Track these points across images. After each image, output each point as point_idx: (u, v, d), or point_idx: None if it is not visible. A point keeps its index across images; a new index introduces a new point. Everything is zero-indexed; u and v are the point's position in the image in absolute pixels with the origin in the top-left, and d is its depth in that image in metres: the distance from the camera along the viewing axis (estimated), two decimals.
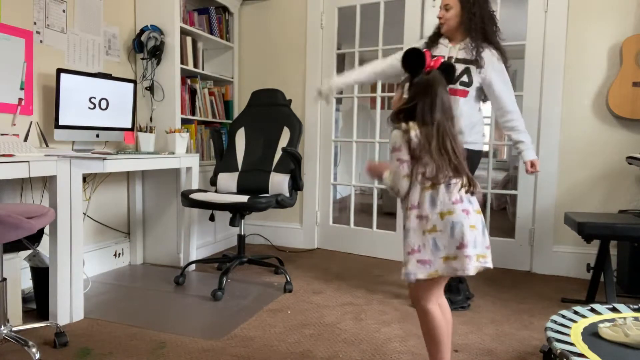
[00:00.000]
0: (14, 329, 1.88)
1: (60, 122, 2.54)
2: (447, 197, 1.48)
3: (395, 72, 2.39)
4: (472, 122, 2.40)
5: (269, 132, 3.10)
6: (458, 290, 2.48)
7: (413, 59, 1.56)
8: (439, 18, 2.41)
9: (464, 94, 2.36)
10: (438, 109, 1.51)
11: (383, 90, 3.82)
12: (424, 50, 1.61)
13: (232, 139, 3.19)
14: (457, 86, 2.35)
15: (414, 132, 1.50)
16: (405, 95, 1.58)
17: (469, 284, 2.71)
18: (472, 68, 2.34)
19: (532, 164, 2.39)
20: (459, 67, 2.32)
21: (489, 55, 2.35)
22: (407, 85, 1.58)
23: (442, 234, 1.47)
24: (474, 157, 2.42)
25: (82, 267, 2.29)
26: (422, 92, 1.54)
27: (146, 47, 3.08)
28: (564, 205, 3.15)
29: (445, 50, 2.41)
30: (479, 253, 1.47)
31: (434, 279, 1.49)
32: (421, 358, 1.91)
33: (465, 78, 2.34)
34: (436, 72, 1.55)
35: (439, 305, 1.59)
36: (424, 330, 1.57)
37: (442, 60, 1.59)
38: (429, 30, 3.06)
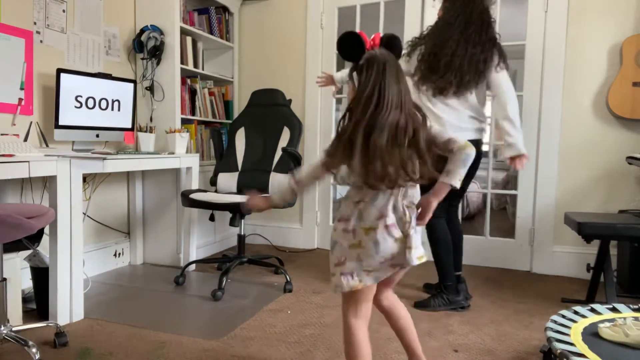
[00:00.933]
0: (14, 329, 1.88)
1: (60, 122, 2.54)
2: (375, 210, 1.36)
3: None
4: (463, 119, 2.41)
5: (269, 132, 3.10)
6: (457, 290, 2.48)
7: (349, 45, 1.40)
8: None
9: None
10: (378, 89, 1.32)
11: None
12: (359, 32, 1.41)
13: (232, 139, 3.19)
14: None
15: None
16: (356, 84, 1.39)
17: (467, 285, 2.71)
18: None
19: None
20: None
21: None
22: (354, 74, 1.40)
23: (365, 251, 1.37)
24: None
25: (82, 267, 2.29)
26: (363, 74, 1.35)
27: (146, 47, 3.08)
28: (564, 205, 3.15)
29: None
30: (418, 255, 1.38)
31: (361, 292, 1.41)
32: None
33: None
34: (376, 50, 1.38)
35: (387, 300, 1.59)
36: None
37: (381, 35, 1.41)
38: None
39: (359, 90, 1.36)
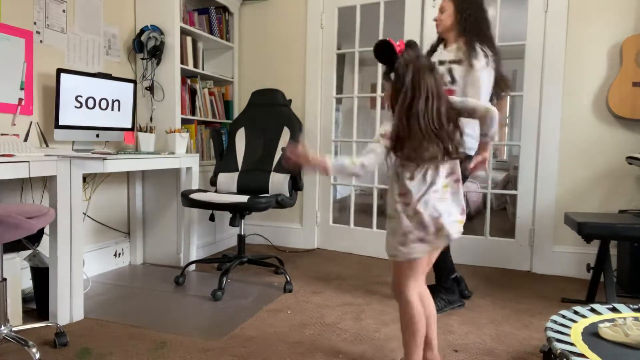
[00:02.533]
0: (14, 329, 1.88)
1: (60, 122, 2.54)
2: (423, 182, 1.57)
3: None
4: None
5: (269, 132, 3.10)
6: (453, 290, 2.48)
7: (383, 51, 1.59)
8: (435, 20, 2.46)
9: (450, 92, 2.36)
10: (424, 87, 1.52)
11: (383, 91, 3.81)
12: (387, 39, 1.59)
13: (232, 139, 3.19)
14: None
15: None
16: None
17: (467, 283, 2.71)
18: (456, 67, 2.35)
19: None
20: (441, 68, 2.35)
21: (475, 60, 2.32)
22: (391, 75, 1.58)
23: (421, 216, 1.55)
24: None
25: (82, 267, 2.29)
26: (403, 75, 1.54)
27: (146, 47, 3.08)
28: (564, 205, 3.15)
29: (439, 55, 2.45)
30: (456, 219, 1.60)
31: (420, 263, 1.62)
32: None
33: (447, 77, 2.36)
34: (408, 53, 1.56)
35: (419, 295, 1.67)
36: (403, 322, 1.65)
37: (404, 41, 1.60)
38: (429, 30, 3.07)
39: (403, 87, 1.54)
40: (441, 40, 2.50)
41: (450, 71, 2.36)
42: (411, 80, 1.52)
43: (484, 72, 2.31)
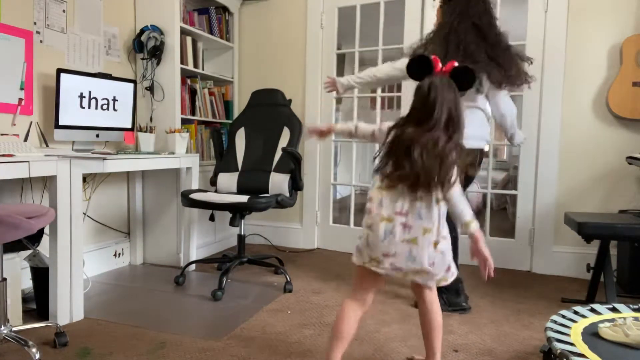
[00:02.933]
0: (14, 329, 1.88)
1: (60, 122, 2.54)
2: (392, 205, 1.54)
3: (402, 75, 2.35)
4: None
5: (269, 132, 3.10)
6: (457, 292, 2.47)
7: (418, 66, 1.59)
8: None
9: None
10: (426, 111, 1.52)
11: (383, 91, 3.82)
12: (433, 56, 1.58)
13: (232, 139, 3.19)
14: None
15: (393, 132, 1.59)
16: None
17: (466, 286, 2.70)
18: None
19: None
20: None
21: None
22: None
23: (374, 235, 1.55)
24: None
25: (82, 267, 2.29)
26: (416, 96, 1.57)
27: (146, 47, 3.08)
28: (564, 205, 3.15)
29: None
30: (415, 267, 1.54)
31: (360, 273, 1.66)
32: (421, 358, 1.91)
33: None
34: (438, 78, 1.54)
35: (423, 301, 1.72)
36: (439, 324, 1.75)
37: (456, 64, 1.56)
38: (429, 30, 3.06)
39: (412, 105, 1.57)
40: None
41: None
42: (425, 100, 1.53)
43: None
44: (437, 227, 1.54)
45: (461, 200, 1.54)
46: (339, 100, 4.05)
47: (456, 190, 1.53)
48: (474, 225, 1.53)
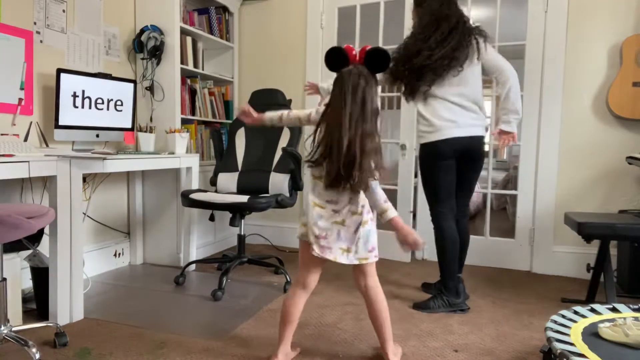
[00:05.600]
0: (14, 329, 1.88)
1: (60, 122, 2.54)
2: (324, 192, 1.68)
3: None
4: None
5: (269, 132, 3.10)
6: (457, 292, 2.47)
7: (333, 59, 1.65)
8: None
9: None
10: (337, 107, 1.59)
11: (383, 91, 3.82)
12: (345, 46, 1.65)
13: (232, 139, 3.19)
14: None
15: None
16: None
17: (466, 286, 2.71)
18: None
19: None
20: None
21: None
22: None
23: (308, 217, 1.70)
24: (425, 150, 2.48)
25: (82, 267, 2.29)
26: (332, 90, 1.64)
27: (146, 47, 3.08)
28: (564, 205, 3.15)
29: None
30: (341, 247, 1.70)
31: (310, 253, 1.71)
32: (421, 358, 1.91)
33: None
34: (351, 68, 1.61)
35: (366, 290, 1.81)
36: (384, 307, 1.81)
37: (367, 48, 1.62)
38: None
39: (329, 100, 1.66)
40: None
41: None
42: (333, 99, 1.62)
43: None
44: (363, 211, 1.68)
45: (376, 190, 1.65)
46: None
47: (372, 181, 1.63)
48: (391, 213, 1.66)
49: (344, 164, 1.57)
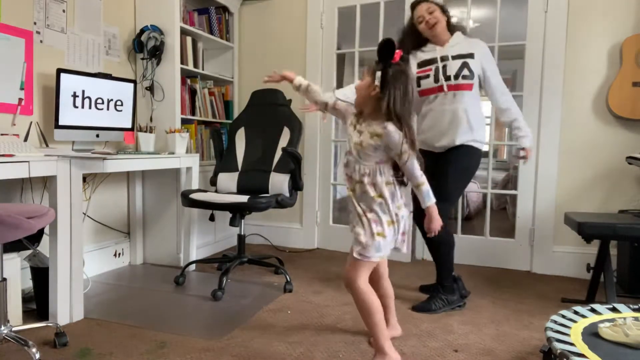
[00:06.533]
0: (14, 329, 1.88)
1: (60, 122, 2.54)
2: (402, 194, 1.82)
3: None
4: (479, 117, 2.46)
5: (269, 132, 3.10)
6: (453, 290, 2.48)
7: (388, 49, 1.69)
8: (427, 22, 2.46)
9: (470, 87, 2.41)
10: (407, 100, 1.70)
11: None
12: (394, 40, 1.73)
13: (232, 139, 3.19)
14: (460, 81, 2.40)
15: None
16: (377, 83, 1.71)
17: (466, 285, 2.71)
18: (470, 61, 2.41)
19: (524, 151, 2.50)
20: (457, 63, 2.40)
21: (481, 46, 2.47)
22: (378, 73, 1.70)
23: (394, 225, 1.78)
24: (477, 156, 2.47)
25: (82, 267, 2.29)
26: (395, 81, 1.68)
27: (146, 47, 3.08)
28: (564, 205, 3.15)
29: (434, 53, 2.48)
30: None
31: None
32: (421, 358, 1.91)
33: (465, 71, 2.39)
34: (404, 64, 1.70)
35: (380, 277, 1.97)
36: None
37: (401, 53, 1.72)
38: None
39: (386, 94, 1.69)
40: (425, 40, 2.52)
41: (467, 66, 2.40)
42: (394, 91, 1.68)
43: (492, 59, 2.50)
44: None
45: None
46: None
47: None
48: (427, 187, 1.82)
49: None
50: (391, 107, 1.67)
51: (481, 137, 2.45)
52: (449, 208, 2.50)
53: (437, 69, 2.44)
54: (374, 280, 1.93)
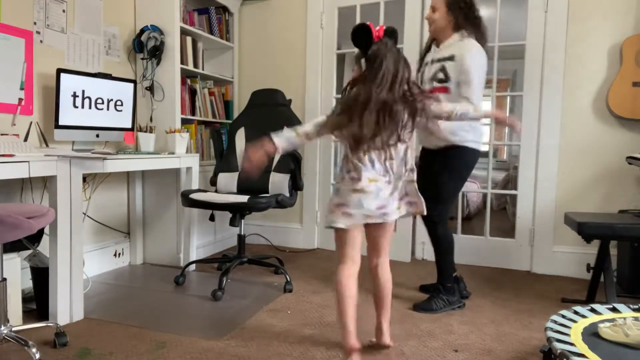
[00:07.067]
0: (14, 329, 1.88)
1: (60, 122, 2.54)
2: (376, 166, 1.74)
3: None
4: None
5: (269, 132, 3.08)
6: (453, 291, 2.48)
7: (360, 35, 1.75)
8: (427, 19, 2.46)
9: (445, 90, 2.35)
10: (381, 76, 1.68)
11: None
12: (368, 23, 1.75)
13: (232, 139, 3.19)
14: (435, 84, 2.39)
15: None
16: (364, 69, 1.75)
17: (467, 285, 2.71)
18: (449, 64, 2.34)
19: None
20: (436, 66, 2.39)
21: (465, 49, 2.32)
22: (362, 60, 1.76)
23: (366, 195, 1.73)
24: (471, 156, 2.43)
25: (82, 267, 2.29)
26: (371, 62, 1.71)
27: (146, 47, 3.08)
28: (564, 205, 3.15)
29: (431, 54, 2.48)
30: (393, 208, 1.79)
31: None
32: (421, 358, 1.91)
33: (440, 75, 2.36)
34: (382, 41, 1.72)
35: (376, 265, 1.92)
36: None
37: (384, 27, 1.75)
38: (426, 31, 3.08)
39: (364, 72, 1.74)
40: (434, 39, 2.51)
41: (443, 69, 2.36)
42: (377, 66, 1.69)
43: (474, 64, 2.30)
44: (410, 171, 1.82)
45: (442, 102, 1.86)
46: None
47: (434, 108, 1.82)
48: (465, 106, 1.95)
49: (410, 110, 1.70)
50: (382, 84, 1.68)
51: (468, 137, 2.36)
52: (442, 208, 2.46)
53: (422, 72, 2.47)
54: (371, 268, 1.95)
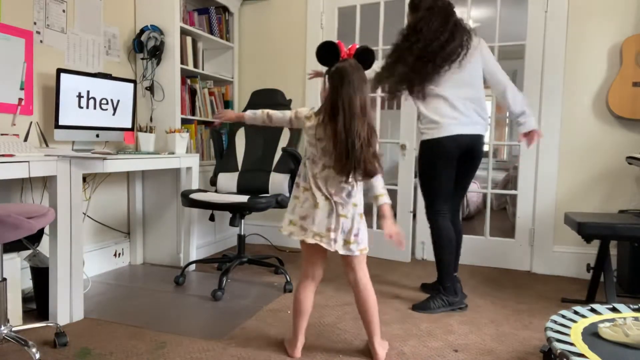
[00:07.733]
0: (14, 329, 1.88)
1: (60, 122, 2.54)
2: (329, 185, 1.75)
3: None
4: (429, 116, 2.43)
5: (269, 132, 3.10)
6: (455, 291, 2.47)
7: (326, 52, 1.72)
8: None
9: None
10: (341, 99, 1.65)
11: (383, 91, 3.81)
12: (337, 41, 1.74)
13: (232, 139, 3.19)
14: None
15: (310, 123, 1.78)
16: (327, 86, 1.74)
17: (464, 285, 2.70)
18: None
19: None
20: None
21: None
22: (326, 77, 1.74)
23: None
24: (434, 146, 2.43)
25: (82, 267, 2.29)
26: (332, 82, 1.69)
27: (146, 47, 3.08)
28: (564, 205, 3.15)
29: None
30: (345, 239, 1.77)
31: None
32: (421, 358, 1.91)
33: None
34: (346, 61, 1.69)
35: (356, 281, 1.86)
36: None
37: (357, 46, 1.73)
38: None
39: (327, 93, 1.73)
40: None
41: None
42: (334, 90, 1.67)
43: None
44: (359, 203, 1.80)
45: (378, 177, 1.77)
46: None
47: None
48: (385, 199, 1.79)
49: (355, 152, 1.63)
50: (338, 106, 1.66)
51: (429, 131, 2.41)
52: (427, 203, 2.52)
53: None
54: (352, 285, 1.90)
